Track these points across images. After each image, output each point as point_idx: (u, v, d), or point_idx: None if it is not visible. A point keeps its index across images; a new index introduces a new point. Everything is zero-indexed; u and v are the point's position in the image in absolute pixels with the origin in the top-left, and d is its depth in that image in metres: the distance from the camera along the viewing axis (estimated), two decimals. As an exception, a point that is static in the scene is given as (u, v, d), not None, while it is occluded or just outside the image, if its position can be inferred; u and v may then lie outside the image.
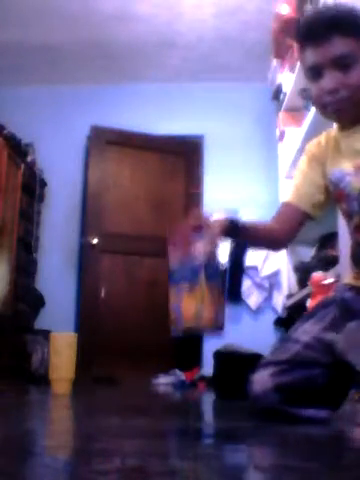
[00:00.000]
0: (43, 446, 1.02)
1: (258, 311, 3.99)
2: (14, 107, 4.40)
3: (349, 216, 1.50)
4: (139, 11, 3.73)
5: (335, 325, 1.44)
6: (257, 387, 1.39)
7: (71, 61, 4.35)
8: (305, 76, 1.46)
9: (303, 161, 1.61)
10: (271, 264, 3.87)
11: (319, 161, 1.55)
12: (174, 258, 1.31)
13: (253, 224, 1.51)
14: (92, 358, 3.81)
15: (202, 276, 1.26)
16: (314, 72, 1.39)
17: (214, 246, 1.29)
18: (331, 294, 1.61)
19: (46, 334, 2.84)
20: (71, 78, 4.55)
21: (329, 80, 1.35)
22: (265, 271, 3.86)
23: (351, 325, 1.41)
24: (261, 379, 1.39)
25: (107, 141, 4.31)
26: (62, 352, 2.25)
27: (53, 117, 4.55)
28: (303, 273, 3.23)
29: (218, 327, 1.29)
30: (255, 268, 3.83)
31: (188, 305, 1.26)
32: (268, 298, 3.97)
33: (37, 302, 4.02)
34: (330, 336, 1.41)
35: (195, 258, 1.28)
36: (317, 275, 2.70)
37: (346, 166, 1.46)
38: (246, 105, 4.50)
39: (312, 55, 1.38)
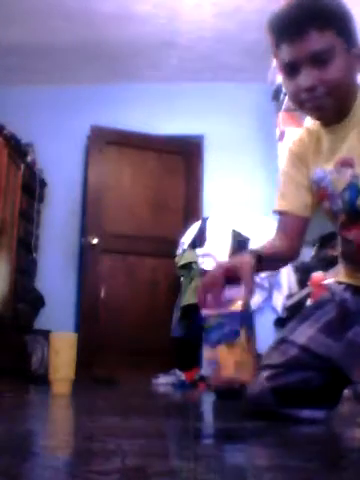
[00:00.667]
0: (43, 446, 1.02)
1: (258, 311, 3.99)
2: (14, 107, 4.40)
3: (333, 215, 1.47)
4: (139, 11, 3.73)
5: (332, 327, 1.43)
6: (254, 389, 1.40)
7: (71, 61, 4.35)
8: (280, 72, 1.40)
9: (287, 162, 1.57)
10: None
11: (302, 160, 1.52)
12: (208, 316, 1.25)
13: (267, 250, 1.48)
14: (92, 358, 3.81)
15: (243, 332, 1.20)
16: (290, 68, 1.32)
17: (252, 292, 1.24)
18: (325, 293, 1.60)
19: (46, 334, 2.84)
20: (71, 78, 4.55)
21: (306, 77, 1.29)
22: (265, 271, 3.86)
23: (349, 335, 1.40)
24: (257, 382, 1.39)
25: (107, 141, 4.31)
26: (62, 352, 2.25)
27: (53, 117, 4.55)
28: (303, 273, 3.23)
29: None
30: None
31: (226, 361, 1.21)
32: (268, 298, 3.97)
33: (37, 302, 4.02)
34: (326, 341, 1.41)
35: (231, 314, 1.22)
36: (317, 275, 2.70)
37: (327, 164, 1.43)
38: (246, 105, 4.50)
39: (287, 51, 1.30)
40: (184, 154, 4.51)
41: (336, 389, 1.46)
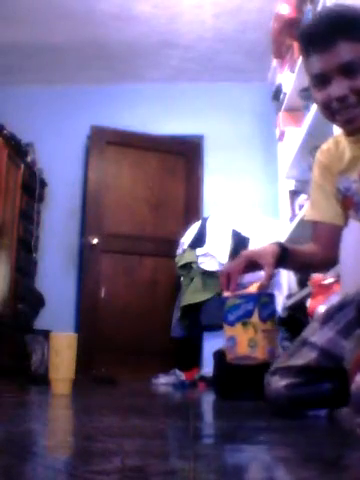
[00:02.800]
0: (43, 446, 1.02)
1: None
2: (14, 107, 4.40)
3: None
4: (139, 11, 3.73)
5: (349, 329, 1.45)
6: (272, 393, 1.48)
7: (71, 61, 4.35)
8: (310, 83, 1.42)
9: (316, 172, 1.60)
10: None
11: (330, 170, 1.54)
12: (228, 298, 1.38)
13: (297, 249, 1.52)
14: (92, 358, 3.82)
15: (256, 312, 1.33)
16: (320, 79, 1.34)
17: (271, 278, 1.33)
18: (349, 293, 1.60)
19: (46, 334, 2.84)
20: (71, 78, 4.55)
21: (337, 87, 1.31)
22: (265, 271, 3.85)
23: (358, 332, 1.42)
24: (276, 387, 1.46)
25: (107, 141, 4.32)
26: (62, 352, 2.25)
27: (53, 117, 4.55)
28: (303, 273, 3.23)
29: (269, 360, 1.40)
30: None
31: (242, 339, 1.35)
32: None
33: (37, 302, 4.02)
34: (343, 343, 1.43)
35: (247, 295, 1.35)
36: (317, 275, 2.70)
37: (352, 173, 1.45)
38: (246, 105, 4.50)
39: (318, 62, 1.33)
40: (184, 154, 4.51)
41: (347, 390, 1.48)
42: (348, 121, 1.37)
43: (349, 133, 1.46)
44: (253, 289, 1.36)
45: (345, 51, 1.29)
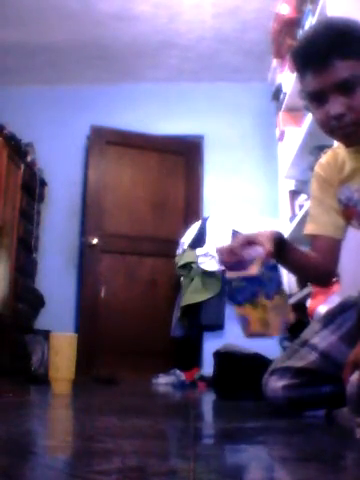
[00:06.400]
0: (43, 446, 1.02)
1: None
2: (14, 107, 4.40)
3: None
4: (139, 11, 3.73)
5: (352, 335, 1.44)
6: (270, 393, 1.49)
7: (71, 61, 4.35)
8: (306, 100, 1.41)
9: (314, 186, 1.59)
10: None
11: (329, 183, 1.53)
12: (231, 279, 1.39)
13: (297, 247, 1.52)
14: (92, 358, 3.82)
15: (262, 296, 1.36)
16: (317, 97, 1.33)
17: (269, 253, 1.33)
18: (350, 296, 1.60)
19: (46, 334, 2.84)
20: (71, 78, 4.55)
21: (334, 105, 1.30)
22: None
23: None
24: (274, 388, 1.48)
25: (107, 141, 4.31)
26: (62, 352, 2.25)
27: (53, 117, 4.55)
28: (303, 273, 3.23)
29: (282, 332, 1.46)
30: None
31: (253, 318, 1.39)
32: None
33: (37, 302, 4.02)
34: (346, 350, 1.42)
35: (250, 278, 1.36)
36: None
37: (352, 183, 1.45)
38: (246, 105, 4.50)
39: (313, 81, 1.31)
40: (184, 154, 4.51)
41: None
42: (346, 137, 1.36)
43: (348, 145, 1.45)
44: (255, 267, 1.36)
45: (341, 69, 1.27)
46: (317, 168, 1.59)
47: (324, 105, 1.32)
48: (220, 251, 1.39)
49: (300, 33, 2.92)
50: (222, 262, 1.41)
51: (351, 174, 1.46)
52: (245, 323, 1.40)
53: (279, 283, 1.40)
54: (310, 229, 1.57)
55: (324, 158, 1.58)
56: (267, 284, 1.37)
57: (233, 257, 1.36)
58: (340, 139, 1.41)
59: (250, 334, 1.42)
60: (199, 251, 3.57)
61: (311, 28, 1.38)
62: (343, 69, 1.27)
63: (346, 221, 1.53)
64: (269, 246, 1.32)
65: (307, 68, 1.32)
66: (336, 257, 1.56)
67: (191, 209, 4.36)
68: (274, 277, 1.39)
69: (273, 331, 1.39)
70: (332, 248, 1.55)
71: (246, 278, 1.36)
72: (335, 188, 1.52)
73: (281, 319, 1.40)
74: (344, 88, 1.29)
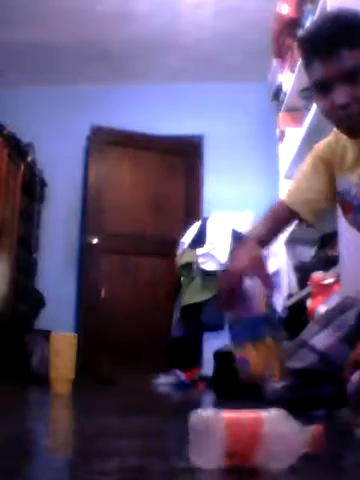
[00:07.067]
0: (43, 446, 1.02)
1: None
2: (14, 107, 4.40)
3: (359, 228, 1.49)
4: (139, 11, 3.73)
5: (352, 337, 1.44)
6: (270, 394, 1.48)
7: (71, 61, 4.35)
8: (312, 89, 1.41)
9: (309, 162, 1.59)
10: (271, 264, 3.86)
11: (326, 165, 1.53)
12: (231, 314, 1.36)
13: (270, 230, 1.57)
14: (92, 358, 3.81)
15: (266, 333, 1.31)
16: (322, 86, 1.33)
17: (272, 289, 1.33)
18: (349, 296, 1.59)
19: (46, 334, 2.84)
20: (71, 78, 4.55)
21: (339, 94, 1.30)
22: (265, 271, 3.85)
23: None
24: (273, 388, 1.47)
25: (107, 141, 4.31)
26: (62, 352, 2.25)
27: (53, 117, 4.55)
28: (303, 273, 3.23)
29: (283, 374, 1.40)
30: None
31: (255, 359, 1.33)
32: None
33: (37, 302, 4.02)
34: (346, 352, 1.43)
35: (256, 316, 1.31)
36: (317, 275, 2.70)
37: (352, 176, 1.44)
38: (246, 105, 4.50)
39: (320, 70, 1.31)
40: (184, 154, 4.51)
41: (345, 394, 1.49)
42: (352, 129, 1.36)
43: (353, 137, 1.44)
44: (260, 308, 1.31)
45: (347, 58, 1.28)
46: (317, 146, 1.59)
47: (329, 94, 1.33)
48: (222, 295, 1.38)
49: (300, 33, 2.92)
50: (221, 305, 1.39)
51: (351, 165, 1.46)
52: (245, 367, 1.35)
53: (275, 318, 1.37)
54: (289, 201, 1.58)
55: (326, 140, 1.58)
56: (272, 321, 1.34)
57: (234, 299, 1.35)
58: (345, 131, 1.41)
59: (250, 379, 1.37)
60: (199, 251, 3.56)
61: (320, 18, 1.38)
62: (350, 58, 1.28)
63: (344, 214, 1.53)
64: (269, 281, 1.37)
65: (314, 56, 1.33)
66: (280, 228, 1.63)
67: (191, 209, 4.36)
68: (277, 323, 1.36)
69: (276, 373, 1.36)
70: (288, 223, 1.62)
71: (252, 317, 1.32)
72: (332, 174, 1.52)
73: (281, 359, 1.38)
74: (350, 78, 1.29)
